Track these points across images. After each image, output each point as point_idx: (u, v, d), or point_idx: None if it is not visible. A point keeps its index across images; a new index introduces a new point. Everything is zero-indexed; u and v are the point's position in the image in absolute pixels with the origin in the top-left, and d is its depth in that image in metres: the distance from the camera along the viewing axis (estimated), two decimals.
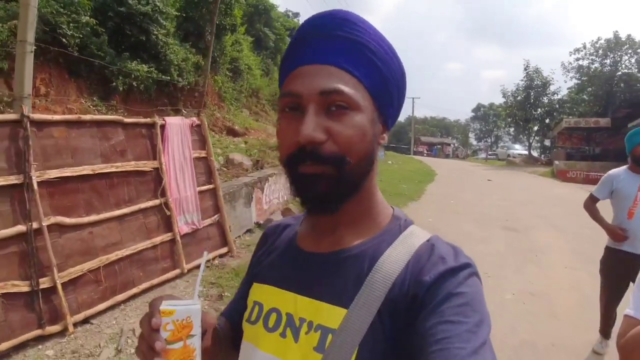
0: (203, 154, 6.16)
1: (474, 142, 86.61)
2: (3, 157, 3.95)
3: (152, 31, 10.51)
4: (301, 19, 32.77)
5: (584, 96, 35.10)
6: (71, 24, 8.68)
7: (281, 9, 29.88)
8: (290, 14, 35.04)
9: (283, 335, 0.76)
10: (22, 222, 3.97)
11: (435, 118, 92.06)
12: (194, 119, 6.18)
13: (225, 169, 9.06)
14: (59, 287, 4.10)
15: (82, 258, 4.40)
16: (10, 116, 4.16)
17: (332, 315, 0.72)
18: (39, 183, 4.09)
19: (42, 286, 4.00)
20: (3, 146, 3.96)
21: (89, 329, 4.27)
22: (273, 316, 0.80)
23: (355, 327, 0.69)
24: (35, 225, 4.02)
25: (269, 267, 0.89)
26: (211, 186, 6.21)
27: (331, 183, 0.71)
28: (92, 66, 9.30)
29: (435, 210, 11.63)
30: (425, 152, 57.80)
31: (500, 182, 20.46)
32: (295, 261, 0.84)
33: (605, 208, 4.07)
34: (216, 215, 6.22)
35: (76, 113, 8.39)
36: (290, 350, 0.74)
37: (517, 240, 8.62)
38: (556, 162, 27.73)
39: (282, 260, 0.88)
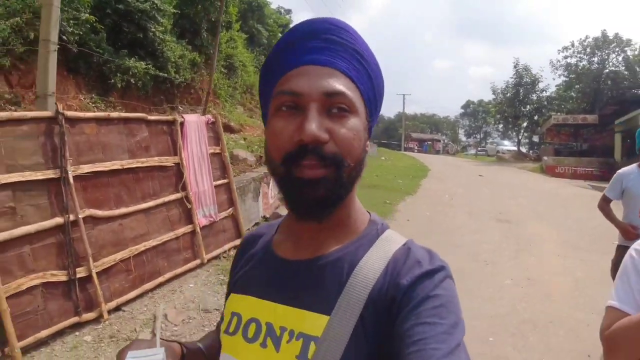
0: (217, 149, 6.47)
1: (464, 139, 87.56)
2: (40, 153, 4.21)
3: (150, 28, 10.61)
4: (293, 16, 32.89)
5: (572, 93, 35.83)
6: (71, 21, 8.77)
7: (274, 6, 30.06)
8: (282, 10, 35.18)
9: (264, 345, 0.76)
10: (59, 214, 4.25)
11: (425, 115, 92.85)
12: (209, 116, 6.49)
13: (231, 164, 9.35)
14: (94, 276, 4.39)
15: (114, 249, 4.70)
16: (45, 113, 4.43)
17: (313, 322, 0.72)
18: (73, 177, 4.37)
19: (78, 275, 4.29)
20: (39, 142, 4.23)
21: (122, 315, 4.58)
22: (252, 326, 0.79)
23: (339, 333, 0.69)
24: (71, 217, 4.30)
25: (246, 277, 0.88)
26: (225, 181, 6.53)
27: (330, 187, 0.71)
28: (91, 63, 9.43)
29: (431, 204, 12.04)
30: (416, 148, 58.42)
31: (491, 177, 20.97)
32: (273, 269, 0.83)
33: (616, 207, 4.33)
34: (230, 209, 6.55)
35: (75, 109, 8.56)
36: None
37: (510, 232, 9.04)
38: (545, 157, 28.38)
39: (259, 269, 0.87)
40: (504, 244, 7.99)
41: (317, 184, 0.70)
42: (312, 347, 0.70)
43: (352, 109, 0.73)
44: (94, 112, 9.00)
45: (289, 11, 36.28)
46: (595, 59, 33.55)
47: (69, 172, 4.32)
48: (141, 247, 4.95)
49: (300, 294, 0.76)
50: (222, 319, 0.94)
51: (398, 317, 0.67)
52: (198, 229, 5.76)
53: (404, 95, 58.72)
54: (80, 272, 4.31)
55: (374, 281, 0.72)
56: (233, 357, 0.80)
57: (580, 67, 34.34)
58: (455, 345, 0.63)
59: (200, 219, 5.85)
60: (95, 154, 4.69)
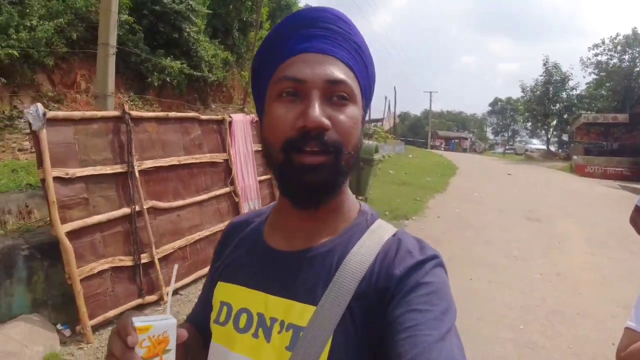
0: (260, 147, 6.88)
1: (491, 137, 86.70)
2: (109, 149, 4.67)
3: (184, 28, 10.87)
4: None
5: (602, 92, 35.25)
6: None
7: (301, 4, 30.44)
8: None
9: (255, 335, 0.76)
10: (126, 205, 4.70)
11: (452, 112, 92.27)
12: (253, 115, 6.90)
13: None
14: (156, 262, 4.84)
15: (172, 237, 5.15)
16: (113, 113, 4.90)
17: (303, 313, 0.73)
18: (138, 172, 4.82)
19: (142, 261, 4.74)
20: (108, 139, 4.68)
21: (179, 298, 5.02)
22: (243, 317, 0.79)
23: (324, 323, 0.70)
24: (137, 208, 4.75)
25: (235, 266, 0.87)
26: (268, 176, 6.95)
27: (329, 173, 0.72)
28: (129, 62, 9.80)
29: (460, 201, 12.28)
30: (443, 146, 58.28)
31: (519, 176, 20.98)
32: (264, 260, 0.83)
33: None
34: (272, 203, 6.92)
35: (115, 108, 8.97)
36: (264, 351, 0.75)
37: (540, 230, 9.26)
38: (574, 157, 28.12)
39: (249, 258, 0.86)
40: (534, 241, 8.23)
41: (317, 170, 0.71)
42: (301, 337, 0.71)
43: (352, 98, 0.75)
44: (133, 109, 9.42)
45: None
46: (626, 57, 32.94)
47: (135, 167, 4.77)
48: (196, 236, 5.39)
49: (291, 285, 0.76)
50: (199, 308, 0.97)
51: (390, 305, 0.68)
52: None
53: (430, 92, 58.69)
54: (144, 258, 4.75)
55: (364, 272, 0.72)
56: (224, 346, 0.80)
57: (610, 65, 33.77)
58: (446, 330, 0.64)
59: (246, 212, 6.27)
60: (156, 151, 5.14)
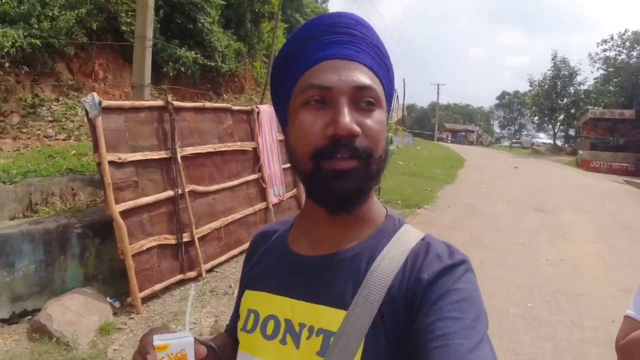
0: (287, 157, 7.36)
1: (498, 130, 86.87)
2: (154, 136, 5.10)
3: (199, 19, 11.01)
4: (329, 5, 33.25)
5: (610, 87, 35.39)
6: (129, 13, 9.27)
7: None
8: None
9: (283, 342, 0.76)
10: (169, 188, 5.14)
11: (459, 105, 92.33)
12: None
13: None
14: (196, 241, 5.29)
15: (209, 219, 5.60)
16: (158, 103, 5.31)
17: (333, 318, 0.72)
18: (180, 157, 5.26)
19: (183, 240, 5.18)
20: (154, 127, 5.11)
21: (216, 275, 5.48)
22: (271, 323, 0.79)
23: (356, 328, 0.68)
24: (179, 191, 5.19)
25: (262, 274, 0.87)
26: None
27: (361, 179, 0.72)
28: None
29: (469, 192, 12.71)
30: (449, 138, 58.56)
31: (526, 169, 21.38)
32: (289, 265, 0.83)
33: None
34: (295, 189, 7.43)
35: (133, 97, 9.09)
36: (292, 357, 0.74)
37: (546, 220, 9.69)
38: (580, 151, 28.41)
39: (276, 266, 0.86)
40: (540, 230, 8.68)
41: (349, 176, 0.70)
42: (332, 342, 0.70)
43: (378, 103, 0.74)
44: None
45: (325, 0, 36.85)
46: (635, 53, 33.07)
47: (178, 153, 5.21)
48: (229, 218, 5.85)
49: (318, 289, 0.76)
50: (235, 318, 0.96)
51: (420, 312, 0.67)
52: (270, 206, 6.65)
53: (438, 85, 59.04)
54: (185, 237, 5.20)
55: (393, 276, 0.71)
56: (252, 355, 0.80)
57: (619, 61, 33.93)
58: (479, 339, 0.63)
59: (272, 198, 6.73)
60: (194, 138, 5.58)
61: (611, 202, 12.86)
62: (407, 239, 0.78)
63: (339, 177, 0.70)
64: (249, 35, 14.48)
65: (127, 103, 5.02)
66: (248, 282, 0.90)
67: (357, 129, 0.69)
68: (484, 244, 7.36)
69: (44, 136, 7.16)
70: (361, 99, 0.72)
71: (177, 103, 5.47)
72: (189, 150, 5.42)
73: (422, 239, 0.78)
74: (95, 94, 4.51)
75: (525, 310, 4.83)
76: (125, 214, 4.56)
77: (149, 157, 4.95)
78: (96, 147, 4.45)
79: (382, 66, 0.78)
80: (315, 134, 0.71)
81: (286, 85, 0.78)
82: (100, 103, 4.44)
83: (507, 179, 16.67)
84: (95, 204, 5.33)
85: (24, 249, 4.19)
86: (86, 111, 4.45)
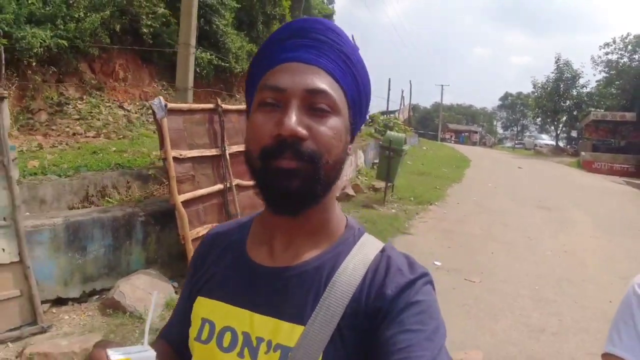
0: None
1: (500, 131, 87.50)
2: (207, 135, 5.77)
3: (214, 21, 11.48)
4: (336, 6, 33.71)
5: (612, 90, 36.04)
6: (150, 15, 9.82)
7: None
8: (325, 0, 36.03)
9: (241, 355, 0.75)
10: (219, 182, 5.81)
11: (462, 105, 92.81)
12: None
13: None
14: None
15: (251, 210, 6.25)
16: (209, 105, 5.96)
17: (291, 333, 0.72)
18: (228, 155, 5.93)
19: None
20: (206, 127, 5.77)
21: None
22: (228, 335, 0.77)
23: (313, 344, 0.69)
24: (228, 184, 5.87)
25: (217, 281, 0.84)
26: None
27: (306, 180, 0.71)
28: (163, 54, 10.40)
29: (476, 191, 13.43)
30: (452, 139, 59.20)
31: (529, 170, 22.08)
32: (248, 276, 0.81)
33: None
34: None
35: (151, 96, 9.41)
36: None
37: (550, 216, 10.41)
38: (582, 153, 29.03)
39: (233, 274, 0.83)
40: (545, 225, 9.40)
41: (292, 175, 0.70)
42: (290, 358, 0.70)
43: (334, 109, 0.73)
44: (166, 98, 9.70)
45: (332, 0, 37.35)
46: (636, 57, 33.68)
47: (227, 150, 5.89)
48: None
49: (277, 303, 0.75)
50: (176, 323, 0.94)
51: (382, 325, 0.69)
52: None
53: (442, 86, 59.44)
54: None
55: (353, 290, 0.72)
56: None
57: (621, 64, 34.57)
58: (438, 350, 0.66)
59: None
60: (239, 137, 6.23)
61: (611, 200, 13.61)
62: (367, 250, 0.78)
63: (283, 176, 0.70)
64: (260, 36, 14.87)
65: (185, 105, 5.69)
66: (201, 287, 0.86)
67: (302, 131, 0.69)
68: (493, 237, 8.06)
69: (73, 133, 7.56)
70: (315, 104, 0.72)
71: (225, 106, 6.12)
72: (235, 148, 6.08)
73: (382, 251, 0.79)
74: (161, 97, 5.17)
75: (533, 292, 5.52)
76: (184, 204, 5.13)
77: (203, 154, 5.59)
78: (162, 144, 5.05)
79: (347, 73, 0.78)
80: (264, 134, 0.71)
81: (252, 85, 0.81)
82: (166, 106, 5.07)
83: (512, 179, 17.40)
84: (150, 195, 6.00)
85: (95, 234, 4.73)
86: (153, 112, 5.09)
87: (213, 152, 5.76)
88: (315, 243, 0.80)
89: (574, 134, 45.12)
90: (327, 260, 0.77)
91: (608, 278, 6.16)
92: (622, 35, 35.30)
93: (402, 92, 36.28)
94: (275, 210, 0.77)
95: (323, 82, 0.73)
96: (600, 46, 37.84)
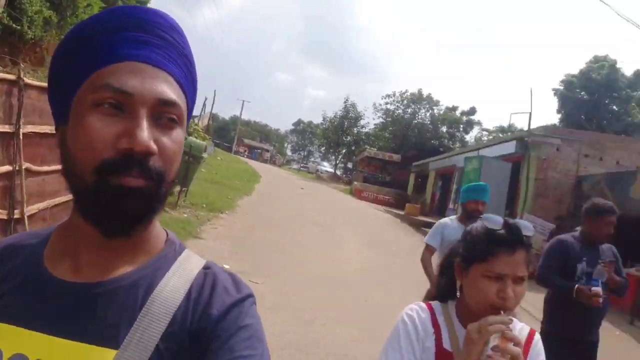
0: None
1: (289, 153, 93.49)
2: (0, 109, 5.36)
3: None
4: None
5: (386, 134, 42.54)
6: None
7: None
8: None
9: None
10: (7, 163, 5.41)
11: (259, 123, 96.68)
12: None
13: None
14: (25, 219, 5.61)
15: (39, 199, 5.92)
16: (9, 76, 5.47)
17: (101, 359, 0.61)
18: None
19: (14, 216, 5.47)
20: (1, 101, 5.37)
21: None
22: None
23: None
24: (16, 167, 5.49)
25: (7, 301, 0.67)
26: None
27: (149, 200, 0.63)
28: None
29: (264, 204, 14.56)
30: (246, 153, 61.17)
31: (310, 191, 24.49)
32: (46, 293, 0.66)
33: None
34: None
35: None
36: None
37: (324, 232, 12.03)
38: (355, 182, 33.79)
39: (27, 291, 0.67)
40: (319, 239, 10.91)
41: (138, 195, 0.61)
42: None
43: (181, 120, 0.66)
44: None
45: None
46: (409, 110, 41.01)
47: (21, 129, 5.52)
48: (56, 200, 6.23)
49: (84, 324, 0.63)
50: None
51: (209, 348, 0.64)
52: None
53: (243, 101, 61.38)
54: (16, 214, 5.50)
55: (174, 309, 0.65)
56: None
57: (396, 114, 41.37)
58: None
59: None
60: (35, 117, 5.89)
61: (374, 224, 16.26)
62: (189, 267, 0.71)
63: (126, 196, 0.60)
64: (63, 4, 12.77)
65: None
66: None
67: (154, 147, 0.60)
68: (276, 245, 9.00)
69: None
70: (163, 114, 0.63)
71: (27, 80, 5.71)
72: (30, 128, 5.70)
73: (206, 268, 0.73)
74: None
75: (307, 292, 6.44)
76: None
77: None
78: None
79: (189, 80, 0.71)
80: (105, 144, 0.60)
81: (75, 75, 0.64)
82: None
83: (295, 197, 19.22)
84: None
85: None
86: None
87: (6, 128, 5.35)
88: (131, 256, 0.69)
89: (350, 165, 51.59)
90: (144, 275, 0.67)
91: (366, 283, 7.48)
92: (401, 91, 42.53)
93: (205, 99, 36.51)
94: (108, 231, 0.64)
95: (173, 92, 0.65)
96: (382, 96, 44.74)
